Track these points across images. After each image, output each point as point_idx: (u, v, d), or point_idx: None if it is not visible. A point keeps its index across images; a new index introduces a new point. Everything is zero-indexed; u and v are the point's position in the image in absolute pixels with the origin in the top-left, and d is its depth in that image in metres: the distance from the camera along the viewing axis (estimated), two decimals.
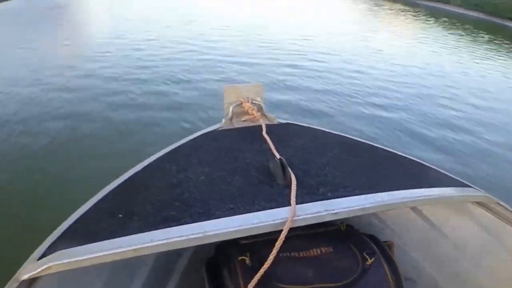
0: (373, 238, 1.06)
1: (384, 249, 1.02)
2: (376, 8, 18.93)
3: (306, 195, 0.87)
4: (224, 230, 0.77)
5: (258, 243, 0.93)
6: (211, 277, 1.07)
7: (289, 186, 0.89)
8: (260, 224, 0.79)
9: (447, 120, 5.02)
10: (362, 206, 0.84)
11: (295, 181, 0.90)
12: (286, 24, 12.09)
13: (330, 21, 14.57)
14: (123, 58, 7.28)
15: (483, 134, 4.68)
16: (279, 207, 0.83)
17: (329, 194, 0.88)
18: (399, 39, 11.15)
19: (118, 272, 1.14)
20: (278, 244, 0.79)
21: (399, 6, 19.52)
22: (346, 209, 0.83)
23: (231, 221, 0.80)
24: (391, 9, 18.64)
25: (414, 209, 1.31)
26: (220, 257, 1.07)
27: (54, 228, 0.96)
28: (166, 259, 1.37)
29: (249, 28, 10.94)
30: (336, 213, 0.82)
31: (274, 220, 0.79)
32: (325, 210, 0.82)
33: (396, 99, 5.73)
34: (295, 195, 0.85)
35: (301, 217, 0.80)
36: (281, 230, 0.78)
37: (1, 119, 4.58)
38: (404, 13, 17.50)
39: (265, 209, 0.83)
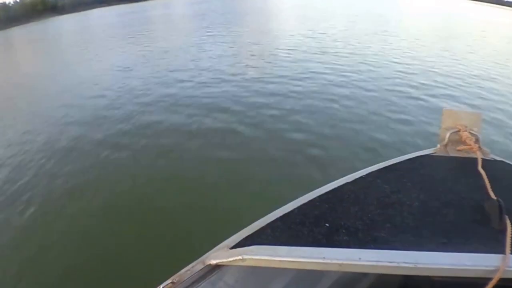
0: None
1: None
2: None
3: None
4: (435, 266, 0.75)
5: (454, 284, 0.88)
6: None
7: (503, 232, 0.84)
8: (471, 268, 0.76)
9: None
10: None
11: (510, 228, 0.85)
12: None
13: None
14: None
15: None
16: (491, 252, 0.79)
17: None
18: None
19: (300, 278, 1.14)
20: None
21: None
22: None
23: (444, 257, 0.77)
24: None
25: None
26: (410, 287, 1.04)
27: (244, 221, 1.00)
28: (350, 277, 1.34)
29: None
30: None
31: (486, 266, 0.75)
32: None
33: None
34: (510, 243, 0.80)
35: None
36: (487, 277, 0.74)
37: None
38: None
39: (477, 252, 0.79)
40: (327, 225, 0.86)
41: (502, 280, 0.74)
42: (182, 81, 6.91)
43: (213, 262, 0.83)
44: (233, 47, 10.00)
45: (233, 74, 7.08)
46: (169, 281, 0.81)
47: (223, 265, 0.85)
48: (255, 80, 6.59)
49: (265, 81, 6.45)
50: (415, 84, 6.36)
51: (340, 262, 0.74)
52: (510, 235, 0.82)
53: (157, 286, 0.80)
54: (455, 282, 0.87)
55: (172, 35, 13.61)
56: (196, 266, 0.85)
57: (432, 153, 1.31)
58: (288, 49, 9.18)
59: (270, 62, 7.92)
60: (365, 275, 1.38)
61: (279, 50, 9.13)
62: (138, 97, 6.18)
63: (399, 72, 7.12)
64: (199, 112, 5.14)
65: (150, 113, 5.34)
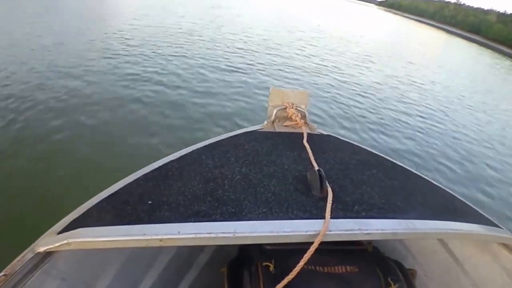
0: (398, 264, 1.04)
1: (407, 277, 1.01)
2: None
3: (341, 211, 0.87)
4: (255, 234, 0.77)
5: (283, 251, 0.92)
6: (231, 276, 1.07)
7: (324, 199, 0.89)
8: (292, 233, 0.78)
9: None
10: (395, 231, 0.84)
11: (331, 194, 0.90)
12: None
13: None
14: None
15: None
16: (312, 218, 0.83)
17: (363, 213, 0.88)
18: None
19: (136, 257, 1.13)
20: (307, 256, 0.78)
21: None
22: (379, 231, 0.83)
23: (263, 225, 0.80)
24: None
25: (440, 240, 1.29)
26: (243, 258, 1.06)
27: (75, 204, 0.92)
28: (187, 252, 1.35)
29: None
30: (368, 233, 0.82)
31: (306, 231, 0.79)
32: (359, 229, 0.82)
33: None
34: (330, 209, 0.85)
35: (333, 232, 0.80)
36: (311, 242, 0.78)
37: None
38: None
39: (298, 219, 0.83)
40: (150, 202, 0.86)
41: (321, 243, 0.78)
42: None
43: (42, 249, 0.79)
44: None
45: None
46: (1, 274, 0.75)
47: (54, 252, 0.81)
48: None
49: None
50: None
51: (160, 237, 0.74)
52: (331, 202, 0.87)
53: None
54: (284, 250, 0.91)
55: None
56: (26, 255, 0.79)
57: (259, 129, 1.35)
58: None
59: None
60: (202, 249, 1.42)
61: None
62: None
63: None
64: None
65: None
